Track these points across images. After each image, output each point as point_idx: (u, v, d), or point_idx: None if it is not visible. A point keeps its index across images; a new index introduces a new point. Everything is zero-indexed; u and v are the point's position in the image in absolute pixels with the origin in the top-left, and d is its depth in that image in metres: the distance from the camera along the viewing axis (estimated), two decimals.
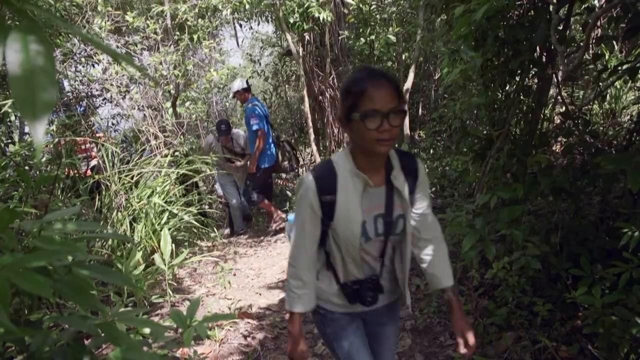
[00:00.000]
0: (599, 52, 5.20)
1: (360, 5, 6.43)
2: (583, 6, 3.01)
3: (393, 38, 6.21)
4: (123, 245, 4.18)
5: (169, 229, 4.60)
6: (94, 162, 5.44)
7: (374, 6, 6.55)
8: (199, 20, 6.62)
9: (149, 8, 6.97)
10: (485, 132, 3.50)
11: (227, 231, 7.13)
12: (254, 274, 4.83)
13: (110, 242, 4.09)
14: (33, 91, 0.45)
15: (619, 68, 2.88)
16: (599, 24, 4.84)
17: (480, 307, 3.21)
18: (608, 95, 7.00)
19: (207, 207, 6.77)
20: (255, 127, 6.04)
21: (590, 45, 3.37)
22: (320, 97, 8.12)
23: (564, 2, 2.96)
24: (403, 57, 7.46)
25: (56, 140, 4.75)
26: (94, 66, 6.73)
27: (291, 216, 2.08)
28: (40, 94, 0.45)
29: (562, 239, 3.01)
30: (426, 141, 7.29)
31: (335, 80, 7.73)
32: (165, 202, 4.86)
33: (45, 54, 0.46)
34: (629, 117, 6.45)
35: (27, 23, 0.48)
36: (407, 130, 7.02)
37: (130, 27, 6.59)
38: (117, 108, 7.12)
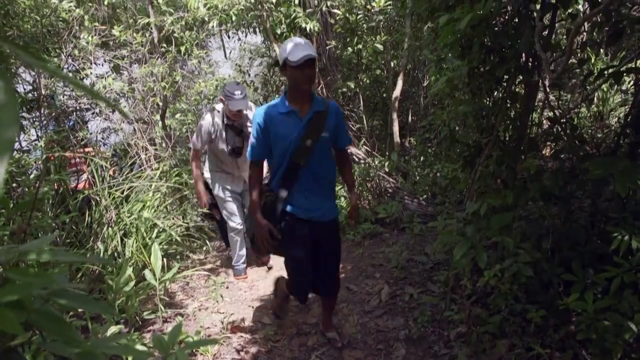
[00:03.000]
0: (585, 56, 5.24)
1: (347, 15, 6.45)
2: (566, 13, 3.03)
3: (380, 47, 6.23)
4: (115, 260, 4.14)
5: (160, 243, 4.56)
6: (84, 176, 5.41)
7: (360, 15, 6.57)
8: (187, 32, 6.62)
9: (135, 20, 6.96)
10: (473, 139, 3.50)
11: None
12: (246, 287, 4.80)
13: (101, 257, 4.05)
14: None
15: (605, 72, 2.89)
16: (584, 29, 4.88)
17: (473, 315, 3.20)
18: (595, 98, 7.06)
19: (199, 219, 6.74)
20: None
21: (576, 51, 3.39)
22: None
23: (548, 9, 2.98)
24: (392, 65, 7.49)
25: (44, 156, 4.71)
26: (82, 80, 6.70)
27: None
28: (0, 133, 0.43)
29: (553, 244, 3.00)
30: (417, 148, 7.29)
31: (324, 89, 7.73)
32: (157, 215, 4.83)
33: (5, 88, 0.45)
34: (616, 119, 6.50)
35: None
36: (397, 137, 7.03)
37: (117, 41, 6.59)
38: (107, 122, 7.09)
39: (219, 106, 4.57)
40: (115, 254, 4.24)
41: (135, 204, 4.77)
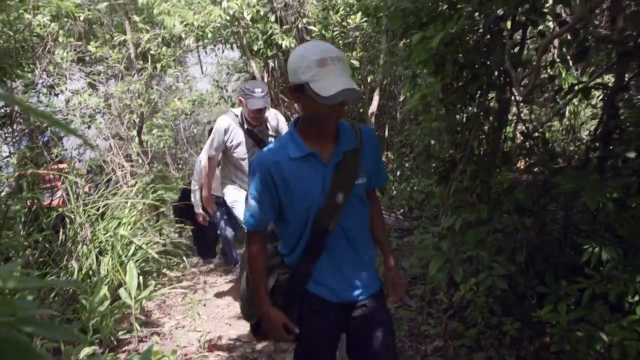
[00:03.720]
0: (555, 72, 5.36)
1: (323, 32, 6.52)
2: (535, 30, 3.11)
3: (356, 63, 6.31)
4: (89, 279, 4.08)
5: (137, 261, 4.51)
6: (59, 193, 5.33)
7: (336, 32, 6.64)
8: (163, 48, 6.61)
9: (111, 36, 6.93)
10: (448, 154, 3.55)
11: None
12: (224, 304, 4.76)
13: (75, 276, 3.99)
14: None
15: (574, 87, 2.97)
16: (554, 46, 5.00)
17: (450, 329, 3.22)
18: (567, 112, 7.21)
19: (176, 235, 6.69)
20: None
21: (546, 68, 3.47)
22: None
23: (518, 27, 3.05)
24: (368, 80, 7.56)
25: (16, 173, 4.64)
26: (57, 96, 6.64)
27: None
28: None
29: (527, 256, 3.05)
30: (394, 163, 7.35)
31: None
32: (133, 233, 4.78)
33: None
34: (587, 132, 6.65)
35: None
36: None
37: (93, 56, 6.55)
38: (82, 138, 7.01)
39: (237, 110, 4.08)
40: (90, 273, 4.17)
41: (111, 221, 4.71)
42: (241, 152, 4.00)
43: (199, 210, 5.02)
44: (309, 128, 1.91)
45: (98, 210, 4.69)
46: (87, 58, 6.86)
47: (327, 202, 1.90)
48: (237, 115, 4.03)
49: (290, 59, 1.80)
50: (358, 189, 1.95)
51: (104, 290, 3.75)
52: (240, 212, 4.14)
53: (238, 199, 4.09)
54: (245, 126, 3.96)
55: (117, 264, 4.24)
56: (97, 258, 4.26)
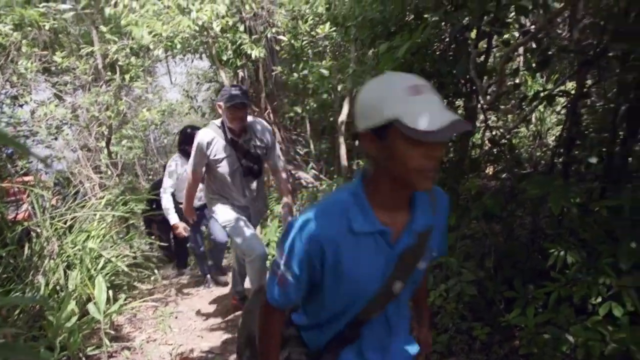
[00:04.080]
0: (521, 80, 5.48)
1: (292, 41, 6.55)
2: (500, 39, 3.18)
3: (326, 72, 6.35)
4: (57, 295, 3.98)
5: (107, 274, 4.43)
6: (24, 207, 5.21)
7: (305, 41, 6.68)
8: (132, 58, 6.55)
9: (78, 47, 6.84)
10: None
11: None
12: (196, 316, 4.70)
13: (42, 291, 3.89)
14: None
15: (539, 95, 3.04)
16: (519, 54, 5.12)
17: None
18: (534, 118, 7.37)
19: (147, 247, 6.60)
20: None
21: (509, 76, 3.55)
22: None
23: (483, 36, 3.12)
24: (338, 89, 7.61)
25: None
26: (21, 107, 6.51)
27: None
28: None
29: (496, 262, 3.11)
30: None
31: (272, 115, 7.78)
32: (103, 246, 4.69)
33: None
34: (554, 137, 6.81)
35: None
36: (344, 161, 7.11)
37: (59, 67, 6.45)
38: (49, 149, 6.89)
39: (218, 121, 3.72)
40: (58, 288, 4.08)
41: (79, 235, 4.62)
42: (226, 166, 3.67)
43: (175, 220, 4.72)
44: (385, 190, 1.34)
45: (66, 223, 4.59)
46: (53, 68, 6.76)
47: (381, 291, 1.41)
48: (219, 127, 3.67)
49: (363, 96, 1.28)
50: (418, 274, 1.47)
51: (72, 305, 3.66)
52: (224, 231, 4.02)
53: (231, 219, 3.72)
54: (229, 136, 3.62)
55: (85, 278, 4.15)
56: (64, 272, 4.17)
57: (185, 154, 4.72)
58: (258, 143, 3.71)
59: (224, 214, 3.79)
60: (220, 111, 3.61)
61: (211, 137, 3.60)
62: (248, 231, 3.70)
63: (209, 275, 5.61)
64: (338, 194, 1.43)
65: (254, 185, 3.88)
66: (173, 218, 4.72)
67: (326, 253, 1.33)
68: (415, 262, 1.42)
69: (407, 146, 1.20)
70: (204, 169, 3.75)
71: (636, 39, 2.33)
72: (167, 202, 4.76)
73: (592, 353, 2.14)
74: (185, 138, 4.95)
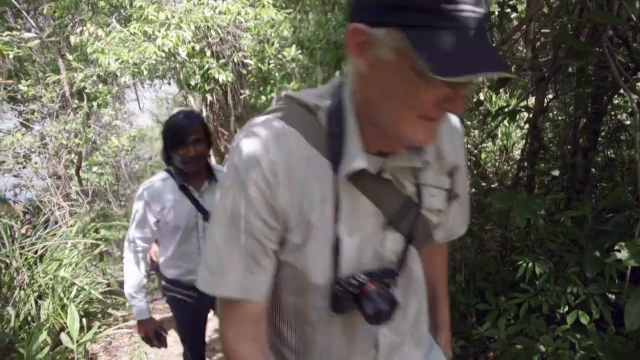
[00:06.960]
0: (486, 96, 5.65)
1: (259, 65, 6.63)
2: None
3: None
4: (28, 326, 3.93)
5: (80, 302, 4.39)
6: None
7: (272, 65, 6.77)
8: (100, 85, 6.55)
9: (44, 75, 6.81)
10: None
11: None
12: (172, 340, 4.67)
13: (12, 323, 3.84)
14: None
15: (502, 111, 3.15)
16: None
17: None
18: (500, 133, 7.57)
19: (121, 273, 6.52)
20: None
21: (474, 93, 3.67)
22: (227, 156, 8.19)
23: None
24: None
25: None
26: None
27: None
28: None
29: (468, 275, 3.18)
30: None
31: None
32: (75, 274, 4.65)
33: None
34: (519, 151, 7.00)
35: None
36: None
37: (25, 95, 6.41)
38: (17, 178, 6.80)
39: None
40: (29, 319, 4.03)
41: (51, 263, 4.57)
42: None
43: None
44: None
45: (36, 252, 4.55)
46: (18, 97, 6.71)
47: None
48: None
49: None
50: None
51: (44, 335, 3.62)
52: None
53: None
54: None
55: (58, 308, 4.11)
56: (36, 302, 4.12)
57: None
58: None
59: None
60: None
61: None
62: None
63: None
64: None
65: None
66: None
67: None
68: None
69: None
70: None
71: (589, 55, 2.45)
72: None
73: None
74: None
